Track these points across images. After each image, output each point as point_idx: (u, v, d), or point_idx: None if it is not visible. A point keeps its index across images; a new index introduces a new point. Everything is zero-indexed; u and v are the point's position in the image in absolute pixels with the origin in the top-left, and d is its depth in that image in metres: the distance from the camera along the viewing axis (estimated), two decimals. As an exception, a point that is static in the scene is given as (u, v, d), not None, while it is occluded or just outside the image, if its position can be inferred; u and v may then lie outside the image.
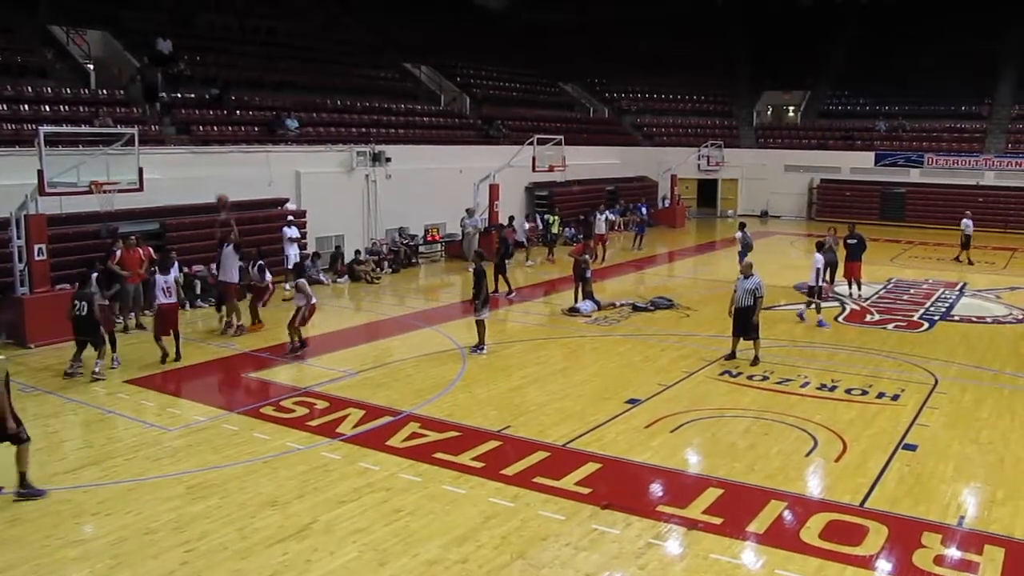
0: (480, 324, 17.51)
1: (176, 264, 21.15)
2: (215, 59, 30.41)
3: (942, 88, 46.49)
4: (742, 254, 26.02)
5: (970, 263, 29.95)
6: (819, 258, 20.47)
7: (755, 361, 16.58)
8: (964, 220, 30.99)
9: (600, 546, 9.30)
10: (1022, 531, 9.85)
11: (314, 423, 13.08)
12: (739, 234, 26.61)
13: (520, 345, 18.41)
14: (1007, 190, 42.23)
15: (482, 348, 17.40)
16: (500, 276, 23.64)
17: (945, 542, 9.57)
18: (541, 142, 32.04)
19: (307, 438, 12.46)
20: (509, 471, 11.28)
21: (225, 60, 30.59)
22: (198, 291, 22.07)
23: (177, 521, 9.73)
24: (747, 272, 17.12)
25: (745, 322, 16.75)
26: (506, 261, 24.44)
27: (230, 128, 27.44)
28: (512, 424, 13.15)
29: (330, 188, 27.12)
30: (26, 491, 10.21)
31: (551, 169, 32.54)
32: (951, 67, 46.04)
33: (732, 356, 16.95)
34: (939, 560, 9.18)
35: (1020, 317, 22.06)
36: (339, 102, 32.59)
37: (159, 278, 16.41)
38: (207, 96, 27.98)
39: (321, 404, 13.93)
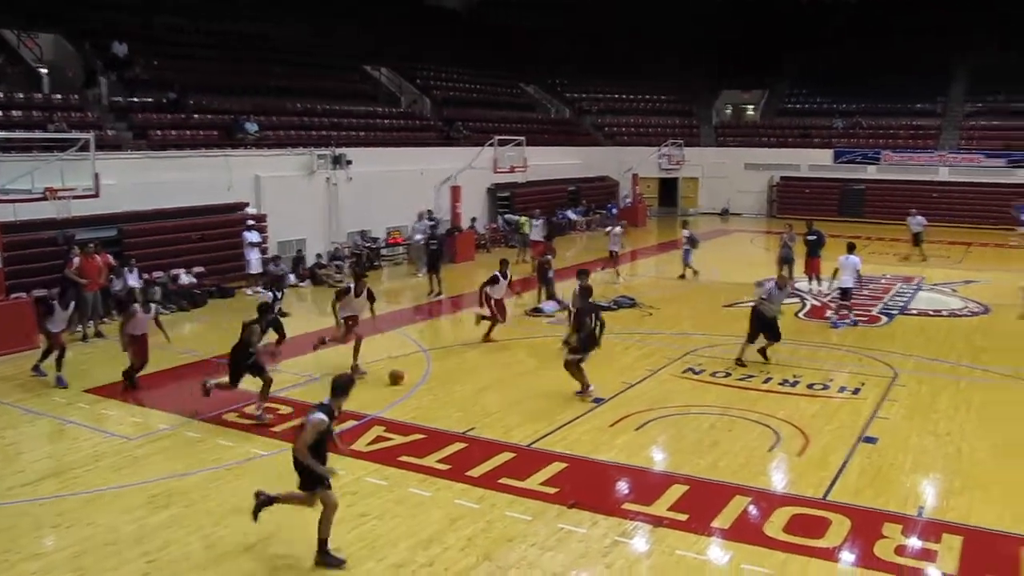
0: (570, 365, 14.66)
1: (136, 270, 21.04)
2: (172, 63, 30.07)
3: (897, 87, 47.12)
4: (687, 252, 26.33)
5: (923, 259, 30.31)
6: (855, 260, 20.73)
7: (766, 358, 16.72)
8: (912, 218, 31.44)
9: (566, 545, 9.32)
10: (978, 519, 10.03)
11: (278, 429, 12.98)
12: (685, 233, 27.05)
13: (484, 346, 18.39)
14: (961, 186, 42.96)
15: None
16: (432, 275, 24.19)
17: (905, 532, 9.71)
18: (502, 143, 32.07)
19: (271, 444, 12.37)
20: (475, 472, 11.28)
21: (182, 64, 30.25)
22: (158, 297, 21.80)
23: (139, 532, 9.61)
24: (782, 284, 17.41)
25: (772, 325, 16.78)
26: (439, 263, 24.92)
27: (188, 132, 27.15)
28: (477, 425, 13.14)
29: (291, 192, 26.95)
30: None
31: (512, 170, 32.58)
32: (906, 66, 46.61)
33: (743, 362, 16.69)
34: (900, 550, 9.31)
35: (975, 310, 22.41)
36: (299, 105, 32.37)
37: (141, 316, 15.06)
38: (164, 100, 27.68)
39: (285, 409, 13.82)
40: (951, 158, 44.36)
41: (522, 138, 33.10)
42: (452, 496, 10.54)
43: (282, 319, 17.93)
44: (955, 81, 48.59)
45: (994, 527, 9.85)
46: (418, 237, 28.03)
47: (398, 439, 12.53)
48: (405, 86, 40.62)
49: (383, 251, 30.09)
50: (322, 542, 8.91)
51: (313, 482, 8.92)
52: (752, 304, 17.28)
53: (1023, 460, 11.97)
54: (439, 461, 11.68)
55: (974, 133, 45.68)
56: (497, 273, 17.88)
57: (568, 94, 52.13)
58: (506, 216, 35.58)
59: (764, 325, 16.58)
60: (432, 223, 28.26)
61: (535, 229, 29.20)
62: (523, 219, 32.61)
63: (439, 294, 23.96)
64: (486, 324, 18.48)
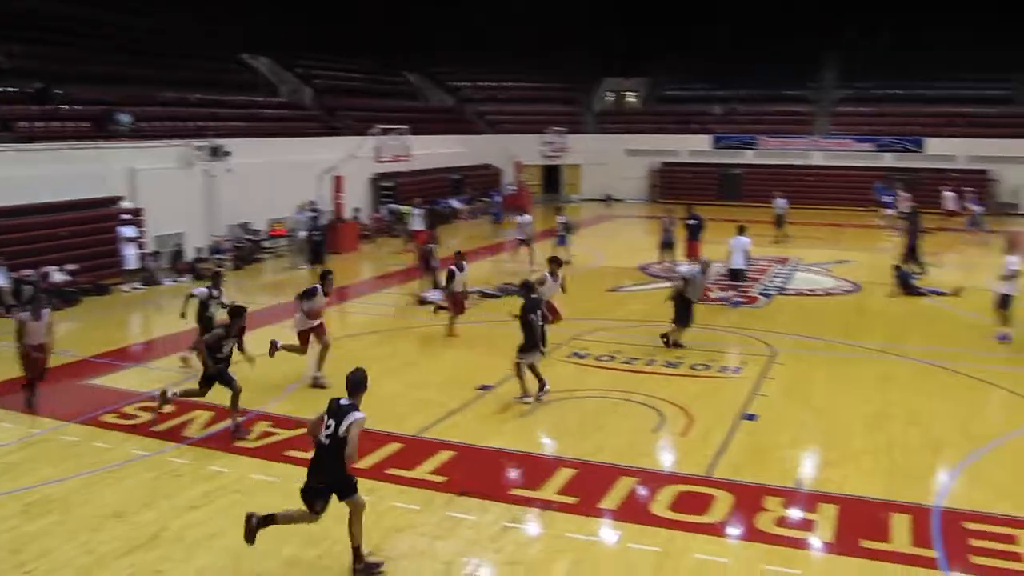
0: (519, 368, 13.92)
1: (4, 268, 20.15)
2: (34, 50, 28.68)
3: (773, 74, 48.47)
4: (563, 238, 26.59)
5: (787, 238, 31.29)
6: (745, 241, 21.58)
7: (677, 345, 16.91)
8: (777, 200, 32.52)
9: (457, 533, 9.33)
10: (852, 488, 10.48)
11: (159, 428, 12.61)
12: (561, 219, 27.37)
13: (371, 337, 18.26)
14: (833, 169, 44.64)
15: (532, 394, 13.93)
16: (316, 268, 23.78)
17: (785, 504, 10.04)
18: (385, 132, 31.79)
19: (152, 444, 12.00)
20: (363, 464, 11.13)
21: (46, 52, 28.93)
22: (31, 296, 20.91)
23: (15, 542, 9.18)
24: (705, 268, 17.82)
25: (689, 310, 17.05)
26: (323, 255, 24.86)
27: (57, 124, 25.96)
28: (365, 416, 12.97)
29: (167, 184, 26.07)
30: None
31: (396, 159, 32.34)
32: (781, 54, 47.90)
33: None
34: (780, 521, 9.65)
35: (848, 289, 23.28)
36: (175, 95, 31.43)
37: (33, 324, 13.79)
38: (30, 91, 26.49)
39: (166, 408, 13.43)
40: (823, 143, 46.05)
41: (405, 127, 32.87)
42: (340, 489, 10.41)
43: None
44: (827, 69, 50.30)
45: (866, 495, 10.28)
46: (301, 234, 27.54)
47: (285, 433, 12.31)
48: (284, 75, 39.88)
49: (265, 244, 29.51)
50: (356, 549, 8.61)
51: (353, 487, 8.62)
52: (674, 287, 17.61)
53: (891, 430, 12.53)
54: (326, 454, 11.52)
55: (845, 119, 47.44)
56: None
57: (451, 82, 52.02)
58: (390, 206, 35.33)
59: (685, 309, 16.94)
60: (314, 214, 27.83)
61: (416, 218, 29.04)
62: (406, 209, 32.40)
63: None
64: (444, 314, 18.27)
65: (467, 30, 51.88)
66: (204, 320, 15.49)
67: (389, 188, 36.68)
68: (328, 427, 8.56)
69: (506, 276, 24.31)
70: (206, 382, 12.45)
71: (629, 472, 10.89)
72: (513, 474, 11.10)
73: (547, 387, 13.81)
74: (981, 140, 42.39)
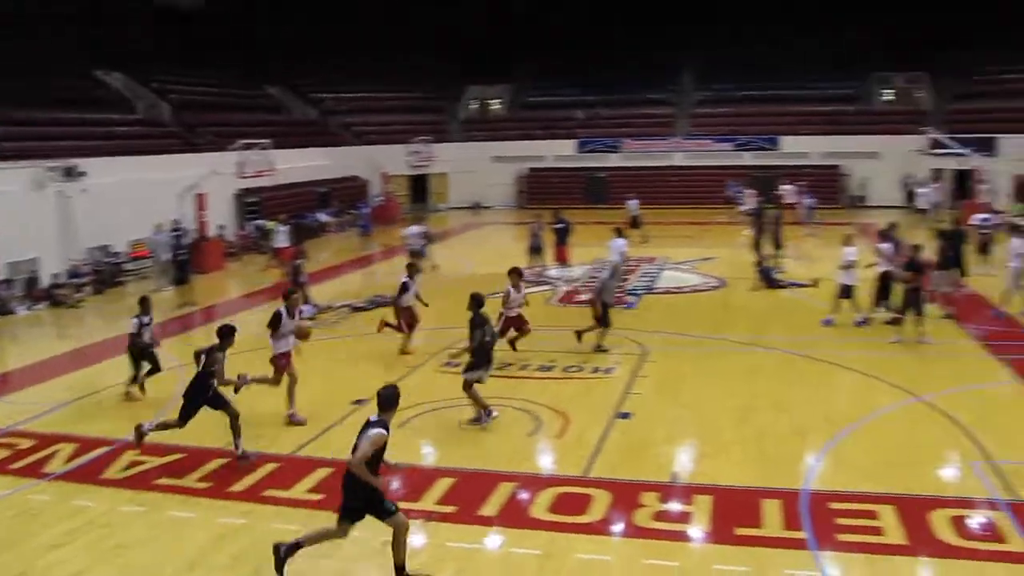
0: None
1: None
2: None
3: (634, 78, 49.72)
4: (423, 247, 26.45)
5: (646, 238, 31.98)
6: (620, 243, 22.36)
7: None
8: (629, 202, 33.27)
9: (339, 550, 9.17)
10: (725, 478, 10.80)
11: (18, 465, 11.98)
12: (420, 228, 27.36)
13: (242, 356, 17.77)
14: (695, 169, 45.96)
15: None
16: (181, 287, 23.58)
17: (662, 499, 10.27)
18: (247, 147, 31.15)
19: (10, 482, 11.41)
20: (238, 487, 10.91)
21: None
22: None
23: None
24: (615, 272, 18.24)
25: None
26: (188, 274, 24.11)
27: None
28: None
29: (18, 208, 24.86)
30: None
31: (259, 174, 31.73)
32: (642, 57, 49.18)
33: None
34: (658, 516, 9.87)
35: (713, 285, 23.98)
36: (23, 115, 30.03)
37: None
38: None
39: (25, 443, 12.78)
40: (684, 144, 47.42)
41: (268, 141, 32.28)
42: (215, 515, 10.13)
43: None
44: (687, 71, 51.76)
45: (737, 483, 10.61)
46: (164, 256, 26.55)
47: (154, 461, 11.86)
48: (140, 91, 38.65)
49: (127, 266, 28.50)
50: (399, 568, 8.56)
51: (384, 508, 8.48)
52: (593, 293, 17.77)
53: (759, 420, 12.97)
54: (199, 480, 11.21)
55: (704, 120, 48.95)
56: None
57: (314, 94, 51.35)
58: (256, 222, 34.64)
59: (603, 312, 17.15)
60: (177, 233, 27.01)
61: (280, 235, 28.52)
62: (271, 224, 31.80)
63: (191, 305, 23.00)
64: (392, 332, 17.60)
65: (328, 42, 51.32)
66: (137, 348, 14.89)
67: (254, 204, 35.93)
68: (354, 447, 8.50)
69: (378, 288, 24.09)
70: (190, 413, 11.87)
71: (508, 477, 10.94)
72: (392, 485, 10.98)
73: (494, 412, 13.23)
74: (832, 137, 44.65)
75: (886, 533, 9.29)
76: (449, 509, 10.14)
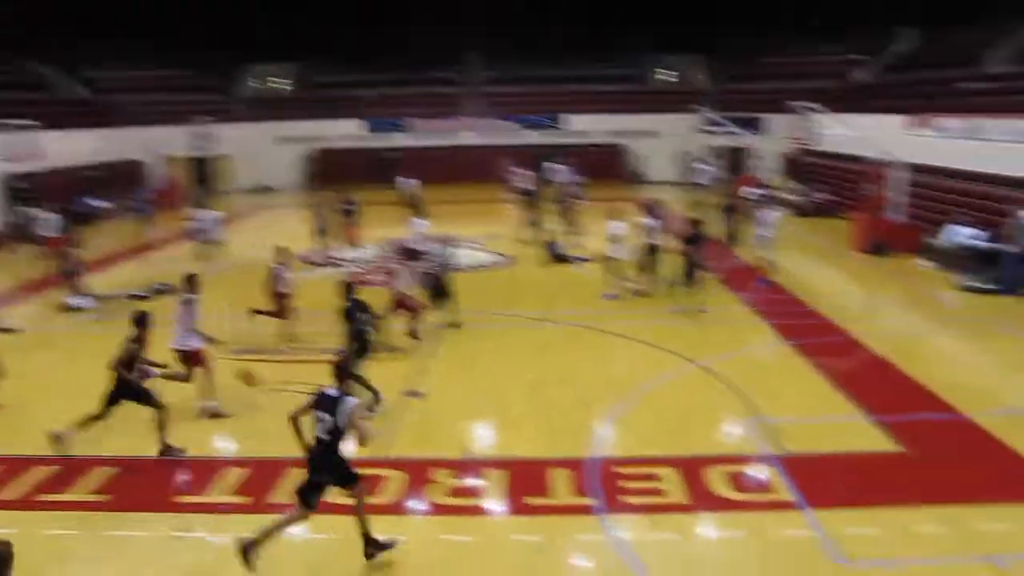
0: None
1: None
2: None
3: (421, 58, 49.67)
4: (204, 232, 25.70)
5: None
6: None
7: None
8: (406, 181, 33.60)
9: (124, 552, 8.86)
10: (517, 451, 11.19)
11: None
12: (205, 214, 26.47)
13: (16, 353, 16.65)
14: (482, 148, 46.58)
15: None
16: None
17: (456, 475, 10.48)
18: (8, 128, 29.07)
19: None
20: (9, 495, 10.24)
21: None
22: None
23: None
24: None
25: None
26: None
27: None
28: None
29: None
30: None
31: (24, 157, 29.71)
32: (428, 38, 49.09)
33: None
34: (453, 492, 10.11)
35: (503, 262, 24.45)
36: None
37: None
38: None
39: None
40: (471, 123, 48.00)
41: (34, 122, 30.24)
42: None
43: None
44: (473, 52, 52.19)
45: (530, 455, 10.97)
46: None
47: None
48: None
49: None
50: (366, 535, 8.59)
51: (354, 475, 8.57)
52: (432, 271, 17.59)
53: (548, 394, 13.40)
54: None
55: (490, 99, 49.69)
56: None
57: (84, 72, 48.42)
58: (23, 209, 32.35)
59: (438, 291, 17.21)
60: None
61: (46, 224, 26.61)
62: (37, 211, 29.72)
63: None
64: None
65: (100, 17, 48.48)
66: None
67: (25, 190, 33.51)
68: (323, 421, 8.22)
69: (159, 276, 23.06)
70: (112, 403, 11.24)
71: (298, 463, 10.78)
72: (179, 481, 10.65)
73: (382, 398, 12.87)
74: (613, 116, 46.46)
75: (668, 493, 9.86)
76: (242, 500, 9.98)
